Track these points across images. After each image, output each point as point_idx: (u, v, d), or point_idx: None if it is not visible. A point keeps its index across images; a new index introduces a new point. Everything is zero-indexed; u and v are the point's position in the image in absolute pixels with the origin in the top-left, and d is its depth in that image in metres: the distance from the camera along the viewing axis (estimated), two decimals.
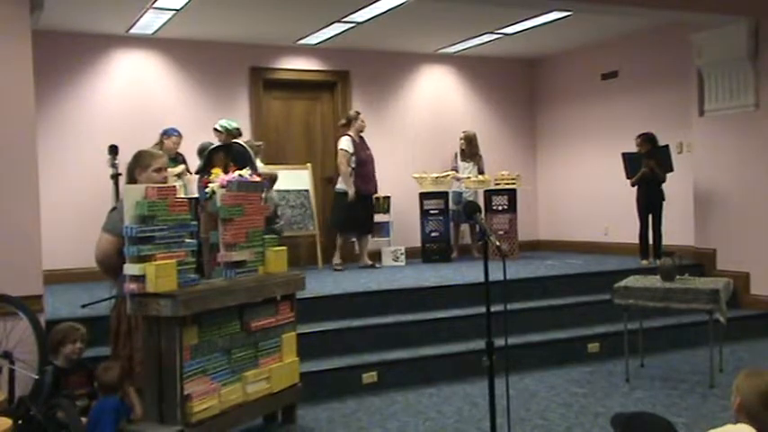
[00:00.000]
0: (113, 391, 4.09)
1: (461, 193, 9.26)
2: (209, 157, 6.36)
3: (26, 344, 4.34)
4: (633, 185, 8.01)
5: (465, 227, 9.66)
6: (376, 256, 8.97)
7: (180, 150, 7.78)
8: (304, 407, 5.00)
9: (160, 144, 7.53)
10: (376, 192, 8.68)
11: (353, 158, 8.33)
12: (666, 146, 7.95)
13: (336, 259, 8.45)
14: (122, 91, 8.49)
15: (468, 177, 9.25)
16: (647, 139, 7.95)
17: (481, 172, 9.40)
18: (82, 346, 4.42)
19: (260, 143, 8.12)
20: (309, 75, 9.46)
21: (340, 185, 8.42)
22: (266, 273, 4.65)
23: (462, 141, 9.42)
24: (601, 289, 6.53)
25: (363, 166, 8.40)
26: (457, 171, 9.35)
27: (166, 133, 7.69)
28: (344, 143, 8.37)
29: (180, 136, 7.74)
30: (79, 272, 7.66)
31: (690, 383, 5.58)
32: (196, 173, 6.99)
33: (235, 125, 7.38)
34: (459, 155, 9.49)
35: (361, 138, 8.50)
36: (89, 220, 7.86)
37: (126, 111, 8.41)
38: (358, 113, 8.56)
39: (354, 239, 8.79)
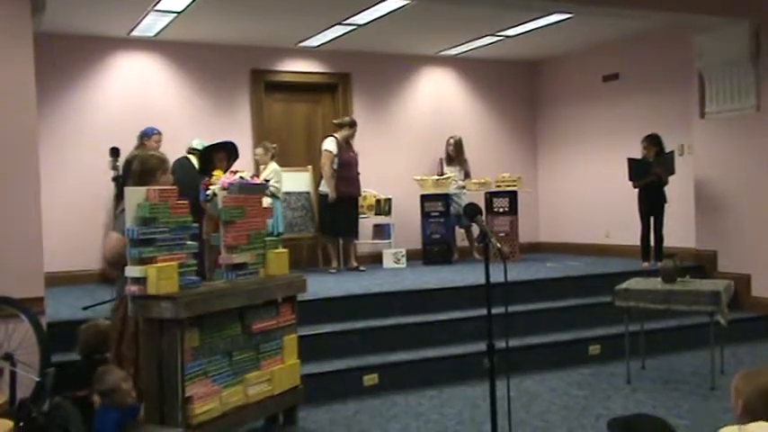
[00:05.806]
0: (110, 396, 4.04)
1: (452, 196, 9.18)
2: (209, 157, 6.36)
3: (27, 346, 4.36)
4: (635, 188, 8.01)
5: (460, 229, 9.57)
6: (377, 258, 8.98)
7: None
8: (305, 409, 5.00)
9: (141, 147, 7.27)
10: (359, 194, 8.62)
11: (337, 160, 8.28)
12: (672, 152, 7.95)
13: (333, 262, 8.47)
14: (124, 93, 8.49)
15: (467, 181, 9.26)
16: (653, 142, 7.92)
17: (467, 176, 9.39)
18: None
19: (274, 145, 8.11)
20: (310, 77, 9.46)
21: (322, 187, 8.37)
22: (267, 275, 4.65)
23: (452, 146, 9.38)
24: (602, 291, 6.52)
25: (347, 167, 8.33)
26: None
27: (146, 134, 7.53)
28: (329, 144, 8.32)
29: (160, 134, 7.59)
30: (80, 274, 7.68)
31: (691, 385, 5.59)
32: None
33: (197, 146, 7.19)
34: (444, 160, 9.44)
35: (347, 142, 8.42)
36: (90, 222, 7.95)
37: (127, 113, 8.39)
38: (355, 124, 8.50)
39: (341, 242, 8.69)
